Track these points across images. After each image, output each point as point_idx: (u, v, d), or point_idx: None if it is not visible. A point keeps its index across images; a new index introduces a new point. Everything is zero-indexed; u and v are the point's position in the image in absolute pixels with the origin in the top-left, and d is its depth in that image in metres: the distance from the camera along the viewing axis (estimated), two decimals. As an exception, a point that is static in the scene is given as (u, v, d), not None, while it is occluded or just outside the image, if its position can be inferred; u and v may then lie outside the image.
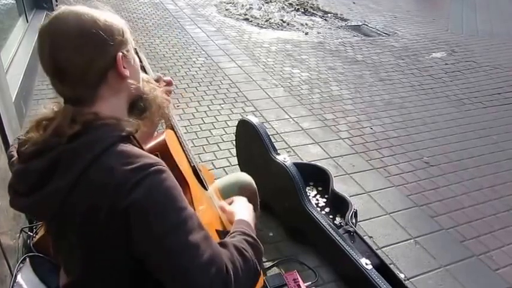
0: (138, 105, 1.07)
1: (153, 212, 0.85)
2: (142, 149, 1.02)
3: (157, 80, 1.36)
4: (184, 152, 1.43)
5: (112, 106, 0.96)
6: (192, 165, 1.42)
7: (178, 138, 1.43)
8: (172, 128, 1.45)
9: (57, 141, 0.89)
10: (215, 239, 0.96)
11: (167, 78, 1.44)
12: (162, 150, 1.30)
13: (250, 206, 1.26)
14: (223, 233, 1.23)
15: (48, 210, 0.92)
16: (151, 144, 1.30)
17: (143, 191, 0.85)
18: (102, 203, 0.85)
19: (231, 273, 0.89)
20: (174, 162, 1.31)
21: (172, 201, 0.88)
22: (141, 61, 1.27)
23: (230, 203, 1.28)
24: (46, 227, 1.06)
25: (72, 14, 0.91)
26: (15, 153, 0.99)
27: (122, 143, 0.92)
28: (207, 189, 1.43)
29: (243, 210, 1.22)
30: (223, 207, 1.27)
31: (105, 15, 0.94)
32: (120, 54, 0.93)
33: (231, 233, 1.07)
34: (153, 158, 0.92)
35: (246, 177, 1.69)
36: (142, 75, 1.09)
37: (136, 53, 1.10)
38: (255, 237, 1.06)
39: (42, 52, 0.92)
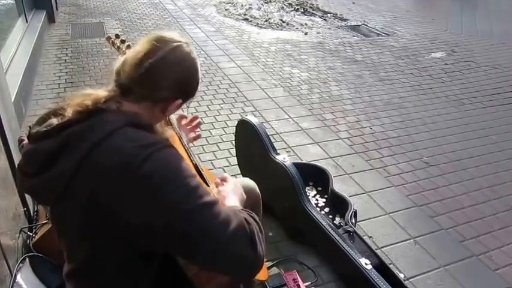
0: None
1: (165, 183, 0.88)
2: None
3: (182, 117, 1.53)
4: (186, 152, 1.44)
5: (135, 111, 1.02)
6: (194, 163, 1.43)
7: (179, 139, 1.44)
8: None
9: (71, 120, 0.95)
10: None
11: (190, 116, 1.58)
12: None
13: (240, 190, 1.26)
14: None
15: (53, 193, 0.94)
16: None
17: (154, 165, 0.88)
18: (112, 180, 0.88)
19: (253, 226, 0.94)
20: None
21: (181, 170, 0.92)
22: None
23: (222, 180, 1.28)
24: (50, 214, 1.07)
25: (191, 53, 1.07)
26: (25, 138, 1.04)
27: (130, 127, 0.96)
28: (209, 186, 1.44)
29: (231, 197, 1.20)
30: (217, 183, 1.28)
31: (200, 71, 1.10)
32: (179, 102, 1.06)
33: None
34: (159, 137, 0.98)
35: (250, 182, 1.69)
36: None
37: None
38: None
39: (153, 51, 1.02)
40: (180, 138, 1.45)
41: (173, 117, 1.49)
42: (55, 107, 1.03)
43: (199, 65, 1.09)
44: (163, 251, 0.98)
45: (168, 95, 1.04)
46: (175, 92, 1.04)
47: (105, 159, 0.89)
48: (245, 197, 1.26)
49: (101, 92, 1.03)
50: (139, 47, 1.04)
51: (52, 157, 0.92)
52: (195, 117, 1.60)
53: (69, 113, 0.97)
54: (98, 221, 0.91)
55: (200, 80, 1.11)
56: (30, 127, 1.03)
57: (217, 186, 1.26)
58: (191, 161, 1.43)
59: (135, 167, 0.87)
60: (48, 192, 0.96)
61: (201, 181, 0.95)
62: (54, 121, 0.98)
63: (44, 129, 0.96)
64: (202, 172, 1.44)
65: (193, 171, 0.96)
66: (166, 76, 1.02)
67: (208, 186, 1.43)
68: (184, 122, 1.58)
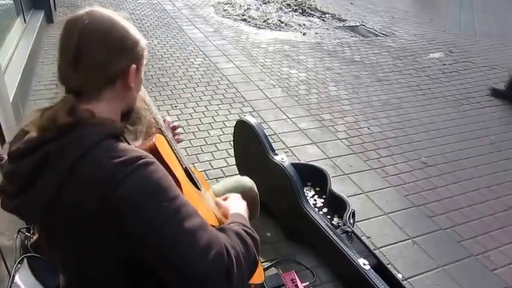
0: (130, 116, 1.10)
1: (144, 204, 0.85)
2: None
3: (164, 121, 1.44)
4: (176, 155, 1.43)
5: (109, 109, 0.98)
6: (184, 166, 1.42)
7: (168, 142, 1.43)
8: (162, 133, 1.45)
9: (46, 136, 0.90)
10: None
11: (173, 123, 1.52)
12: (152, 153, 1.30)
13: (245, 202, 1.26)
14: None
15: (37, 210, 0.91)
16: (141, 146, 1.30)
17: (132, 184, 0.85)
18: (91, 198, 0.85)
19: (232, 256, 0.89)
20: (165, 163, 1.31)
21: (163, 191, 0.88)
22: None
23: (225, 200, 1.29)
24: (38, 231, 1.07)
25: (107, 15, 0.98)
26: (5, 156, 0.98)
27: (110, 139, 0.93)
28: (200, 189, 1.43)
29: (237, 204, 1.22)
30: (218, 202, 1.28)
31: (133, 28, 1.01)
32: (134, 66, 0.98)
33: (228, 224, 1.08)
34: (141, 152, 0.93)
35: (248, 181, 1.69)
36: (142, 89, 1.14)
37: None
38: (251, 228, 1.06)
39: (68, 38, 0.94)
40: (168, 141, 1.44)
41: (160, 118, 1.49)
42: (27, 123, 0.98)
43: (121, 20, 0.99)
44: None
45: (115, 68, 0.95)
46: (118, 61, 0.95)
47: (87, 174, 0.87)
48: (248, 212, 1.26)
49: (63, 104, 0.94)
50: (58, 44, 0.97)
51: (33, 175, 0.89)
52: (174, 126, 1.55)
53: (42, 124, 0.93)
54: (85, 234, 0.90)
55: (134, 34, 1.00)
56: (10, 143, 1.00)
57: (219, 207, 1.26)
58: (180, 164, 1.42)
59: (113, 186, 0.84)
60: (32, 210, 0.93)
61: (186, 200, 0.91)
62: (32, 136, 0.94)
63: (23, 146, 0.93)
64: (193, 175, 1.43)
65: (176, 188, 0.92)
66: (96, 51, 0.93)
67: (199, 189, 1.42)
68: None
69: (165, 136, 1.42)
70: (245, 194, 1.58)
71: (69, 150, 0.88)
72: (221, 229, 0.98)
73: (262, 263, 2.04)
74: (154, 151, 1.30)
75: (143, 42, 1.03)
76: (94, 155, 0.88)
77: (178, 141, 1.52)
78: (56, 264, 1.06)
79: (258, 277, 1.21)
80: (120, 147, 0.91)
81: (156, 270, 0.90)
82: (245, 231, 1.02)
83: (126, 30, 0.98)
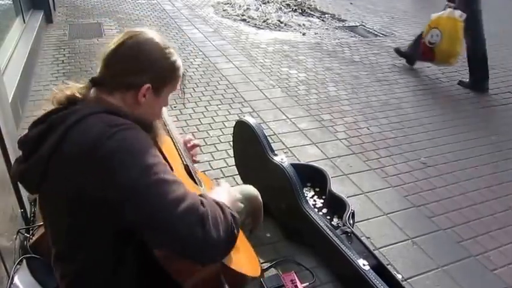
0: (140, 124, 1.13)
1: (125, 158, 0.93)
2: None
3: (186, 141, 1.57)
4: (178, 152, 1.44)
5: (118, 102, 1.09)
6: (185, 164, 1.43)
7: (172, 139, 1.44)
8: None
9: (56, 107, 1.06)
10: None
11: (195, 141, 1.61)
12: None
13: (233, 192, 1.27)
14: None
15: (36, 175, 1.01)
16: None
17: (117, 141, 0.95)
18: (83, 156, 0.94)
19: (208, 210, 0.95)
20: (163, 155, 1.32)
21: (141, 149, 0.97)
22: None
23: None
24: (38, 201, 1.15)
25: (153, 38, 1.12)
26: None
27: (109, 113, 1.03)
28: (201, 186, 1.43)
29: (221, 194, 1.21)
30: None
31: (171, 55, 1.14)
32: (147, 86, 1.08)
33: None
34: (130, 122, 1.03)
35: (253, 190, 1.68)
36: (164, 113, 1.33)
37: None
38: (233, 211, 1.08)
39: (117, 43, 1.10)
40: (174, 142, 1.45)
41: (169, 119, 1.49)
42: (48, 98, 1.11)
43: (168, 49, 1.13)
44: (130, 228, 0.99)
45: (133, 81, 1.07)
46: (137, 76, 1.08)
47: (79, 137, 0.97)
48: (241, 205, 1.26)
49: (80, 84, 1.12)
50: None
51: (39, 141, 1.01)
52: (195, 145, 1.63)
53: (55, 101, 1.08)
54: (72, 198, 0.97)
55: (175, 64, 1.15)
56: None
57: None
58: (182, 162, 1.43)
59: (100, 143, 0.94)
60: (33, 175, 1.03)
61: (164, 162, 0.99)
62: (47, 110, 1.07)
63: (36, 118, 1.07)
64: (194, 173, 1.43)
65: (156, 151, 1.00)
66: (124, 61, 1.08)
67: (200, 186, 1.43)
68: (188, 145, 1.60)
69: (168, 133, 1.43)
70: (250, 202, 1.58)
71: (69, 116, 1.00)
72: (201, 195, 1.03)
73: (261, 263, 2.04)
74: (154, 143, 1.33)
75: (177, 70, 1.15)
76: (89, 120, 0.99)
77: (194, 161, 1.60)
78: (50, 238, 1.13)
79: (253, 270, 1.20)
80: (115, 117, 1.02)
81: (135, 230, 0.96)
82: (226, 207, 1.05)
83: (161, 53, 1.10)
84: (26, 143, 1.05)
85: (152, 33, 1.13)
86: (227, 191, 1.25)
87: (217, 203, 1.03)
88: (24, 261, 1.75)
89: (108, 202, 0.93)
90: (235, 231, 1.01)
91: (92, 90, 1.09)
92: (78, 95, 1.08)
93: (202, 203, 0.95)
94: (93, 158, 0.93)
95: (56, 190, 1.01)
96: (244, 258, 1.18)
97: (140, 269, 1.07)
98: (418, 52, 4.60)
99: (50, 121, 1.02)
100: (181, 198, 0.92)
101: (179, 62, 1.16)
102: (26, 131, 1.09)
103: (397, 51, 5.04)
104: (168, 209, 0.90)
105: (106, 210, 0.95)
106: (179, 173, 1.35)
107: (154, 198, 0.91)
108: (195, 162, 1.58)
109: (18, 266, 1.72)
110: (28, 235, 1.93)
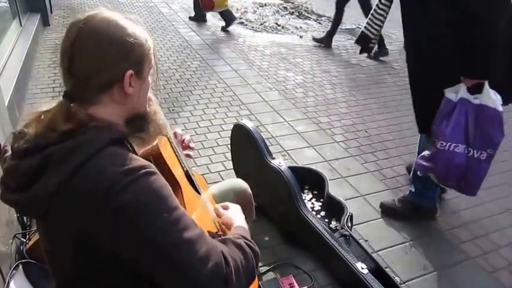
0: (137, 122, 1.06)
1: (143, 214, 0.84)
2: (135, 152, 1.03)
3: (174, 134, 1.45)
4: (177, 158, 1.43)
5: (109, 112, 0.96)
6: (185, 170, 1.42)
7: (170, 143, 1.43)
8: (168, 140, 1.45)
9: (49, 139, 0.89)
10: None
11: (186, 138, 1.53)
12: (155, 155, 1.31)
13: (243, 216, 1.26)
14: (218, 236, 1.23)
15: (36, 210, 0.92)
16: (144, 149, 1.30)
17: (133, 194, 0.84)
18: (91, 204, 0.85)
19: (232, 266, 0.90)
20: (167, 166, 1.31)
21: (163, 201, 0.88)
22: None
23: (225, 209, 1.28)
24: (37, 225, 1.08)
25: (105, 19, 0.94)
26: (9, 149, 0.98)
27: (114, 145, 0.92)
28: (200, 194, 1.43)
29: (240, 217, 1.22)
30: (218, 211, 1.26)
31: (134, 30, 0.96)
32: (129, 72, 0.94)
33: (231, 236, 1.08)
34: (143, 161, 0.92)
35: (242, 184, 1.69)
36: (150, 96, 1.12)
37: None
38: (253, 242, 1.07)
39: (64, 42, 0.95)
40: (171, 144, 1.44)
41: (165, 121, 1.49)
42: (38, 110, 0.97)
43: (120, 23, 0.94)
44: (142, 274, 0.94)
45: (108, 75, 0.93)
46: (111, 68, 0.92)
47: (87, 182, 0.85)
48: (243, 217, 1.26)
49: (58, 110, 0.94)
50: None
51: (33, 176, 0.89)
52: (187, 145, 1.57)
53: (40, 131, 0.92)
54: (77, 242, 0.89)
55: (137, 34, 0.96)
56: (13, 133, 0.99)
57: (219, 216, 1.25)
58: (182, 167, 1.42)
59: (114, 193, 0.83)
60: (31, 210, 0.95)
61: (185, 212, 0.92)
62: (33, 137, 0.92)
63: (25, 146, 0.92)
64: (194, 179, 1.43)
65: (175, 199, 0.92)
66: (88, 59, 0.91)
67: (199, 193, 1.42)
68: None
69: (168, 137, 1.42)
70: (239, 196, 1.58)
71: (71, 156, 0.87)
72: (223, 240, 0.99)
73: (260, 267, 2.04)
74: (156, 152, 1.32)
75: (146, 42, 0.99)
76: (97, 162, 0.87)
77: (188, 156, 1.53)
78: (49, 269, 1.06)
79: (252, 285, 1.21)
80: (124, 155, 0.91)
81: (155, 282, 0.90)
82: (246, 243, 1.03)
83: (124, 33, 0.93)
84: (17, 173, 0.91)
85: (99, 13, 0.95)
86: (240, 212, 1.25)
87: (238, 245, 0.99)
88: (20, 266, 1.74)
89: (119, 254, 0.88)
90: (256, 270, 1.00)
91: (76, 109, 0.92)
92: (63, 126, 0.90)
93: (226, 259, 0.90)
94: (107, 210, 0.84)
95: (58, 232, 0.93)
96: None
97: None
98: (201, 8, 5.91)
99: (48, 155, 0.88)
100: (206, 258, 0.87)
101: (140, 32, 0.98)
102: (8, 144, 0.98)
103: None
104: (193, 271, 0.85)
105: (114, 260, 0.89)
106: (180, 180, 1.34)
107: (177, 259, 0.85)
108: (188, 156, 1.55)
109: (14, 271, 1.71)
110: (24, 240, 1.92)
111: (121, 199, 0.83)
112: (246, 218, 1.28)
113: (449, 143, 1.92)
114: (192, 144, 1.56)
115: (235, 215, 1.22)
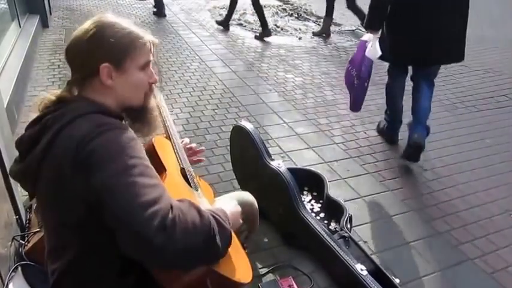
0: (132, 112, 1.17)
1: (107, 157, 0.94)
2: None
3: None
4: (175, 154, 1.44)
5: (101, 98, 1.10)
6: (182, 166, 1.42)
7: (169, 137, 1.45)
8: (166, 131, 1.47)
9: (49, 110, 1.07)
10: None
11: (193, 145, 1.63)
12: (149, 149, 1.34)
13: (238, 208, 1.25)
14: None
15: (31, 174, 1.05)
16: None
17: (101, 141, 0.96)
18: (68, 156, 0.96)
19: (177, 218, 0.91)
20: (158, 159, 1.33)
21: (127, 148, 0.97)
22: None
23: None
24: (36, 198, 1.17)
25: (101, 20, 1.10)
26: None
27: (99, 114, 1.04)
28: (196, 190, 1.42)
29: (227, 203, 1.22)
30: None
31: (125, 29, 1.10)
32: (103, 65, 1.06)
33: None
34: (119, 122, 1.06)
35: (249, 197, 1.68)
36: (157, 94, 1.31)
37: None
38: (226, 221, 1.05)
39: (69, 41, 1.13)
40: (172, 142, 1.45)
41: (169, 116, 1.50)
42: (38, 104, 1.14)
43: (112, 22, 1.10)
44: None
45: (88, 65, 1.07)
46: (90, 58, 1.07)
47: (66, 138, 0.98)
48: (240, 221, 1.25)
49: (63, 89, 1.15)
50: None
51: (34, 141, 1.04)
52: (200, 151, 1.66)
53: (41, 107, 1.11)
54: (62, 195, 0.99)
55: (126, 31, 1.10)
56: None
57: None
58: (179, 164, 1.43)
59: (85, 142, 0.95)
60: (28, 174, 1.06)
61: (146, 164, 0.98)
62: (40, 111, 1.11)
63: (30, 120, 1.10)
64: (190, 177, 1.42)
65: (143, 154, 1.00)
66: (74, 50, 1.10)
67: (196, 190, 1.42)
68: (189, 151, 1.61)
69: (168, 134, 1.44)
70: (245, 209, 1.58)
71: (62, 117, 1.02)
72: (181, 200, 1.00)
73: (259, 269, 2.03)
74: (150, 148, 1.34)
75: (130, 35, 1.10)
76: (78, 122, 1.01)
77: (197, 161, 1.64)
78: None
79: (244, 276, 1.19)
80: (104, 117, 1.03)
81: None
82: (213, 215, 1.01)
83: (112, 31, 1.07)
84: (22, 143, 1.08)
85: (101, 15, 1.12)
86: (234, 203, 1.25)
87: (197, 208, 0.99)
88: (19, 268, 1.74)
89: (88, 202, 0.95)
90: (217, 240, 0.98)
91: (74, 91, 1.12)
92: (66, 95, 1.11)
93: (172, 210, 0.92)
94: (78, 157, 0.95)
95: (48, 190, 1.04)
96: (233, 263, 1.16)
97: (124, 266, 1.07)
98: None
99: (45, 122, 1.04)
100: (151, 202, 0.89)
101: (131, 29, 1.13)
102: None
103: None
104: (134, 212, 0.88)
105: (85, 206, 0.97)
106: (173, 177, 1.34)
107: (123, 201, 0.90)
108: (194, 162, 1.57)
109: (13, 273, 1.71)
110: (23, 242, 1.91)
111: (90, 145, 0.95)
112: (248, 229, 1.29)
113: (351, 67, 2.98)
114: (200, 149, 1.64)
115: (224, 202, 1.25)
